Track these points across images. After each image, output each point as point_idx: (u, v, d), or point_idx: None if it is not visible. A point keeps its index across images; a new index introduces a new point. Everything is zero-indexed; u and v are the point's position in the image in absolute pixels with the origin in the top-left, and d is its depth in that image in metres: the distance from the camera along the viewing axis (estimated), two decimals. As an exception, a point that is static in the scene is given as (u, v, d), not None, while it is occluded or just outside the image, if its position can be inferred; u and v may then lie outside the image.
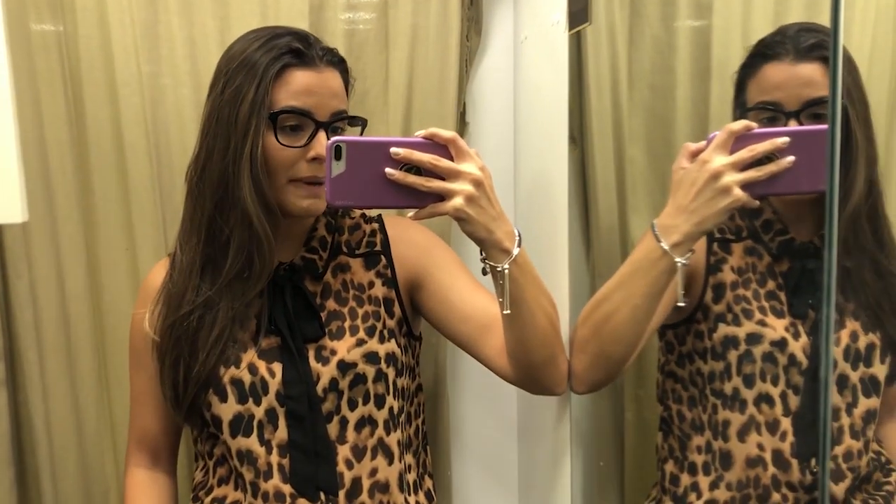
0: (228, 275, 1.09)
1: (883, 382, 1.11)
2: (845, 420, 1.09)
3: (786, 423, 1.09)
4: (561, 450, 1.28)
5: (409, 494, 1.18)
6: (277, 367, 1.10)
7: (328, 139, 0.99)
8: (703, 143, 1.00)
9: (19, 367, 1.38)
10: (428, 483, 1.26)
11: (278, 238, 1.10)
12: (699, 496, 1.15)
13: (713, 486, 1.14)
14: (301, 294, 1.13)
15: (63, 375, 1.41)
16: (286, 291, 1.13)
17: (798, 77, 1.05)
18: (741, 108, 1.12)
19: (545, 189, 1.32)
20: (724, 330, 1.12)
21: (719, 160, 0.97)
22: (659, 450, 1.25)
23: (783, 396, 1.10)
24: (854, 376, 1.09)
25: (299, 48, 1.06)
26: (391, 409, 1.14)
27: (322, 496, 1.10)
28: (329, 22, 1.42)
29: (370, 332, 1.14)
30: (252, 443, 1.10)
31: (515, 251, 1.00)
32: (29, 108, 1.33)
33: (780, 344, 1.09)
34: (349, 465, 1.11)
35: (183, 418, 1.15)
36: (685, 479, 1.18)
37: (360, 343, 1.13)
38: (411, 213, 0.98)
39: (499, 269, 1.00)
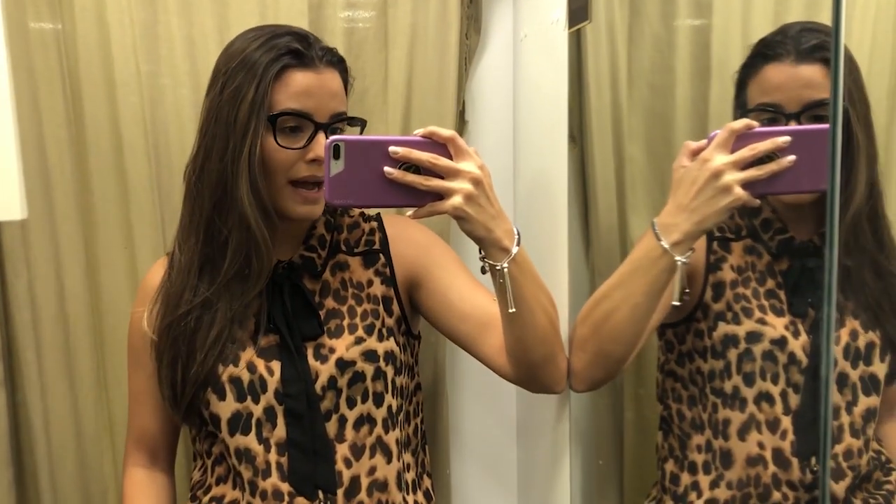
0: (226, 275, 1.09)
1: (883, 381, 1.11)
2: (845, 418, 1.09)
3: (786, 422, 1.09)
4: (560, 448, 1.28)
5: (408, 493, 1.18)
6: (276, 366, 1.10)
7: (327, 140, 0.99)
8: (704, 141, 1.00)
9: (17, 367, 1.38)
10: (427, 482, 1.26)
11: (277, 237, 1.10)
12: (699, 495, 1.15)
13: (713, 484, 1.14)
14: (300, 292, 1.13)
15: (61, 375, 1.41)
16: (285, 290, 1.13)
17: (799, 79, 1.05)
18: (741, 109, 1.12)
19: (544, 188, 1.32)
20: (723, 328, 1.12)
21: (720, 159, 0.97)
22: (659, 449, 1.25)
23: (783, 395, 1.10)
24: (854, 375, 1.09)
25: (299, 49, 1.06)
26: (390, 407, 1.14)
27: (320, 495, 1.09)
28: (328, 20, 1.41)
29: (369, 330, 1.14)
30: (250, 441, 1.10)
31: (514, 250, 1.00)
32: (27, 106, 1.33)
33: (780, 342, 1.09)
34: (348, 464, 1.11)
35: (181, 417, 1.15)
36: (685, 479, 1.18)
37: (359, 341, 1.13)
38: (410, 211, 0.98)
39: (498, 267, 1.00)
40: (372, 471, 1.12)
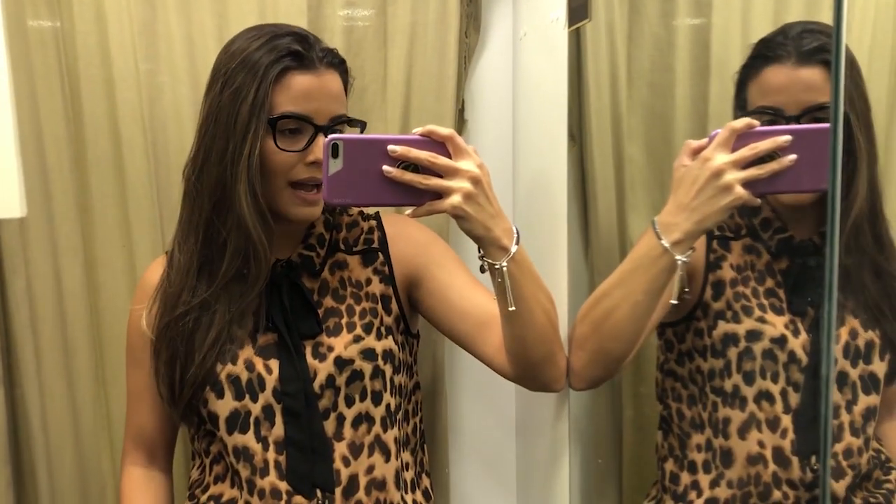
0: (225, 277, 1.09)
1: (882, 380, 1.11)
2: (845, 417, 1.09)
3: (786, 421, 1.09)
4: (559, 447, 1.28)
5: (406, 492, 1.17)
6: (274, 364, 1.10)
7: None
8: (705, 140, 0.99)
9: (16, 365, 1.38)
10: (426, 481, 1.26)
11: (276, 236, 1.10)
12: (699, 494, 1.15)
13: (714, 484, 1.14)
14: (298, 291, 1.13)
15: (60, 373, 1.41)
16: (283, 288, 1.13)
17: (799, 81, 1.05)
18: (741, 109, 1.12)
19: (544, 187, 1.32)
20: (723, 327, 1.12)
21: (721, 158, 0.97)
22: (658, 448, 1.25)
23: (783, 394, 1.10)
24: (854, 373, 1.09)
25: (299, 50, 1.05)
26: (388, 406, 1.14)
27: (318, 493, 1.09)
28: (327, 19, 1.41)
29: (367, 328, 1.14)
30: (248, 439, 1.10)
31: (514, 249, 1.00)
32: (26, 104, 1.33)
33: (780, 341, 1.09)
34: (346, 462, 1.11)
35: (179, 416, 1.15)
36: (685, 478, 1.18)
37: (358, 340, 1.12)
38: (409, 210, 0.98)
39: (497, 266, 1.00)
40: (370, 469, 1.12)
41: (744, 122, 0.97)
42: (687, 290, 1.06)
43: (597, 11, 1.22)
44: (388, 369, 1.14)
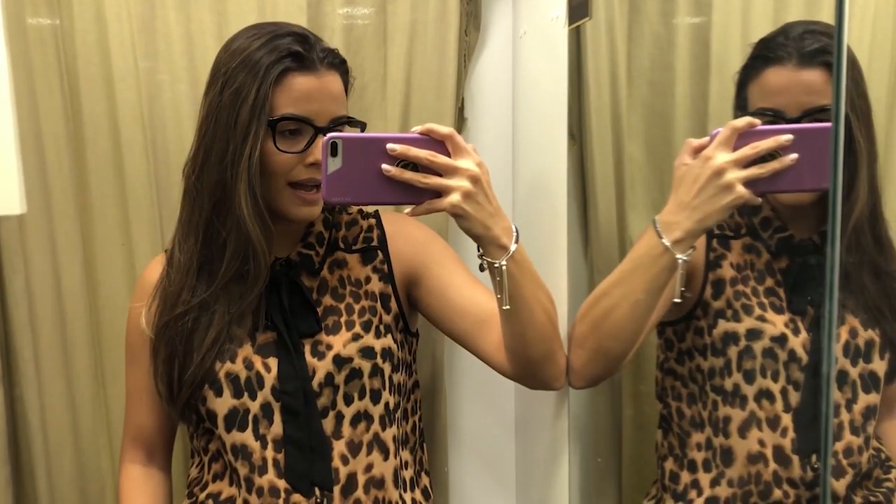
0: (224, 277, 1.09)
1: (882, 379, 1.11)
2: (845, 416, 1.09)
3: (786, 420, 1.09)
4: (559, 446, 1.28)
5: (405, 491, 1.17)
6: (273, 362, 1.10)
7: None
8: (706, 139, 0.99)
9: (14, 364, 1.38)
10: (425, 480, 1.26)
11: (275, 235, 1.10)
12: (700, 493, 1.15)
13: (714, 482, 1.14)
14: (298, 290, 1.13)
15: (59, 372, 1.40)
16: (282, 287, 1.13)
17: (800, 84, 1.04)
18: (741, 110, 1.12)
19: (544, 185, 1.32)
20: (723, 326, 1.12)
21: (722, 157, 0.97)
22: (658, 447, 1.25)
23: (783, 392, 1.09)
24: (854, 372, 1.09)
25: (300, 51, 1.05)
26: (387, 404, 1.14)
27: (317, 492, 1.09)
28: (327, 17, 1.41)
29: (366, 327, 1.14)
30: (247, 437, 1.10)
31: (513, 247, 1.00)
32: (25, 102, 1.32)
33: (780, 340, 1.09)
34: (344, 461, 1.11)
35: (178, 414, 1.15)
36: (685, 477, 1.17)
37: (356, 338, 1.12)
38: (408, 209, 0.98)
39: (496, 265, 1.00)
40: (369, 468, 1.12)
41: (745, 120, 0.97)
42: (684, 289, 1.06)
43: (597, 10, 1.22)
44: (386, 367, 1.14)
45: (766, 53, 1.08)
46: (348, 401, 1.11)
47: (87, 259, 1.41)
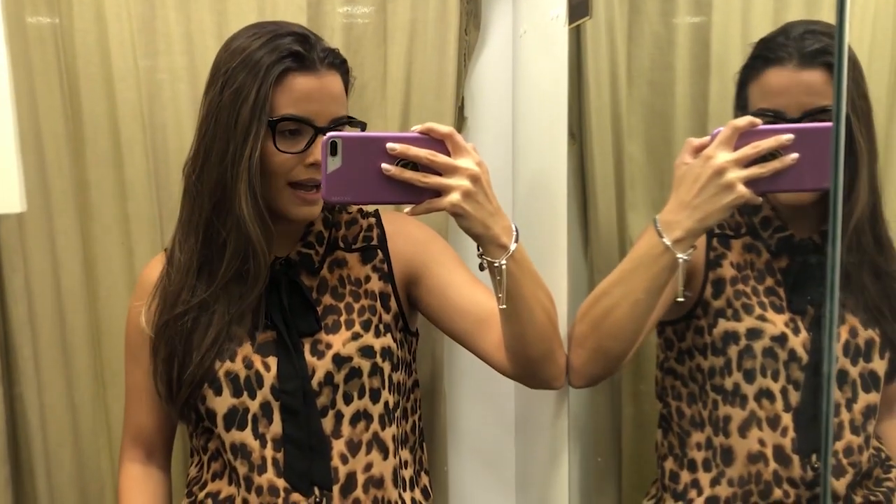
0: (224, 277, 1.09)
1: (882, 378, 1.11)
2: (845, 415, 1.09)
3: (786, 419, 1.09)
4: (558, 445, 1.28)
5: (405, 490, 1.17)
6: (272, 361, 1.10)
7: None
8: (707, 138, 0.99)
9: (14, 363, 1.37)
10: (424, 479, 1.26)
11: (275, 235, 1.10)
12: (700, 493, 1.15)
13: (714, 482, 1.14)
14: (297, 289, 1.13)
15: (58, 371, 1.40)
16: (282, 286, 1.12)
17: (801, 85, 1.04)
18: (742, 110, 1.12)
19: (544, 185, 1.32)
20: (724, 325, 1.12)
21: (723, 156, 0.97)
22: (658, 447, 1.25)
23: (783, 392, 1.09)
24: (854, 371, 1.09)
25: (300, 51, 1.05)
26: (386, 403, 1.14)
27: (316, 491, 1.09)
28: (327, 16, 1.41)
29: (366, 326, 1.14)
30: (246, 436, 1.10)
31: (513, 247, 1.00)
32: (24, 101, 1.32)
33: (781, 339, 1.09)
34: (344, 460, 1.11)
35: (177, 414, 1.15)
36: (685, 476, 1.17)
37: (356, 337, 1.12)
38: (408, 208, 0.98)
39: (496, 264, 1.00)
40: (368, 467, 1.12)
41: (746, 120, 0.97)
42: (682, 289, 1.06)
43: (597, 9, 1.22)
44: (386, 367, 1.14)
45: (766, 54, 1.08)
46: (348, 400, 1.11)
47: (86, 258, 1.41)
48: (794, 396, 1.09)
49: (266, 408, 1.10)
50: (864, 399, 1.09)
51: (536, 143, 1.38)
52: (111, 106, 1.38)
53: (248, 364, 1.10)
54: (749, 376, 1.10)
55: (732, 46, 1.23)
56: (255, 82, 1.03)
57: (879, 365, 1.10)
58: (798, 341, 1.09)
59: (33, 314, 1.37)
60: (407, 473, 1.19)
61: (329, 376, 1.10)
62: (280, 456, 1.09)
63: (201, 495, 1.16)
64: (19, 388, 1.38)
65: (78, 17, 1.35)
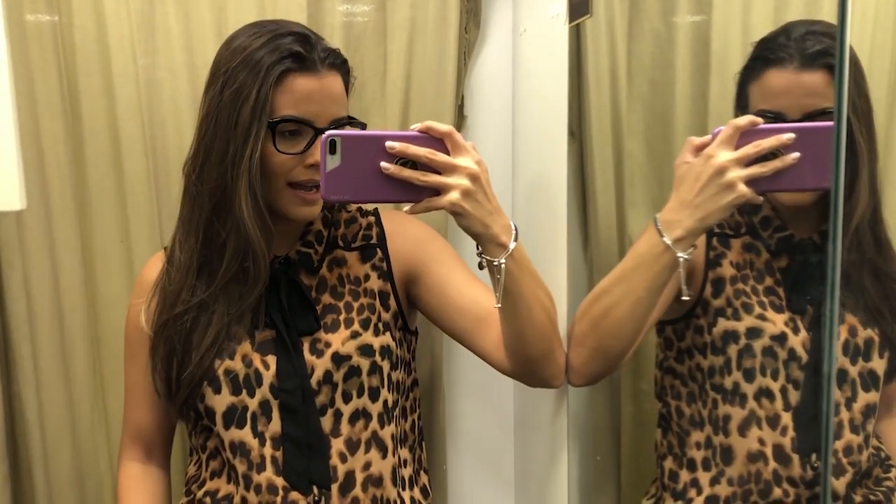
0: (224, 278, 1.09)
1: (882, 377, 1.11)
2: (845, 414, 1.09)
3: (786, 418, 1.09)
4: (558, 444, 1.28)
5: (404, 489, 1.17)
6: (272, 360, 1.10)
7: None
8: (708, 137, 0.99)
9: (12, 361, 1.37)
10: (424, 478, 1.26)
11: (274, 234, 1.09)
12: (699, 492, 1.15)
13: (714, 481, 1.14)
14: (296, 288, 1.13)
15: (57, 369, 1.40)
16: (281, 285, 1.12)
17: (802, 86, 1.04)
18: (742, 110, 1.12)
19: (543, 184, 1.32)
20: (723, 324, 1.12)
21: (724, 155, 0.97)
22: (658, 446, 1.25)
23: (783, 391, 1.09)
24: (853, 371, 1.09)
25: (301, 52, 1.04)
26: (385, 402, 1.14)
27: (315, 489, 1.09)
28: (327, 14, 1.41)
29: (365, 324, 1.14)
30: (245, 434, 1.09)
31: (512, 245, 1.00)
32: (24, 99, 1.32)
33: (780, 338, 1.09)
34: (343, 459, 1.10)
35: (176, 412, 1.15)
36: (684, 476, 1.17)
37: (355, 335, 1.12)
38: (407, 207, 0.98)
39: (495, 263, 1.00)
40: (367, 466, 1.12)
41: (747, 119, 0.97)
42: (686, 287, 1.06)
43: (597, 7, 1.22)
44: (385, 365, 1.14)
45: (767, 54, 1.08)
46: (347, 398, 1.11)
47: (85, 255, 1.41)
48: (794, 396, 1.09)
49: (265, 406, 1.10)
50: (864, 398, 1.09)
51: (536, 141, 1.37)
52: (110, 103, 1.38)
53: (248, 362, 1.10)
54: (749, 375, 1.10)
55: (733, 45, 1.23)
56: (255, 82, 1.03)
57: (879, 364, 1.10)
58: (798, 340, 1.09)
59: (32, 312, 1.37)
60: (406, 472, 1.19)
61: (328, 375, 1.10)
62: (279, 454, 1.09)
63: (200, 493, 1.16)
64: (18, 386, 1.38)
65: (77, 14, 1.35)
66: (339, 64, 1.10)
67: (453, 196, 0.95)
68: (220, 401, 1.10)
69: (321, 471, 1.10)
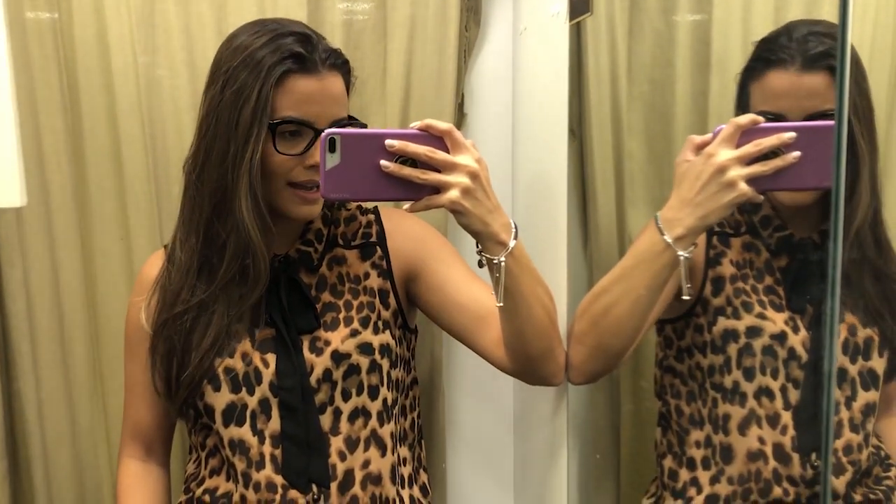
0: (224, 278, 1.09)
1: (881, 376, 1.11)
2: (845, 414, 1.09)
3: (786, 417, 1.09)
4: (557, 442, 1.28)
5: (403, 488, 1.17)
6: (271, 358, 1.10)
7: None
8: (709, 135, 0.99)
9: (12, 358, 1.37)
10: (423, 477, 1.26)
11: (275, 234, 1.09)
12: (699, 491, 1.15)
13: (714, 480, 1.14)
14: (296, 286, 1.13)
15: (56, 366, 1.40)
16: (281, 284, 1.12)
17: (803, 88, 1.04)
18: (743, 110, 1.12)
19: (543, 182, 1.32)
20: (723, 323, 1.12)
21: (725, 154, 0.96)
22: (657, 445, 1.24)
23: (783, 390, 1.09)
24: (853, 370, 1.09)
25: (302, 52, 1.04)
26: (385, 400, 1.14)
27: (314, 488, 1.09)
28: (327, 12, 1.40)
29: (364, 322, 1.13)
30: (245, 432, 1.09)
31: (512, 243, 1.00)
32: (23, 96, 1.32)
33: (780, 337, 1.09)
34: (342, 457, 1.10)
35: (176, 411, 1.15)
36: (684, 475, 1.17)
37: (354, 334, 1.12)
38: (407, 205, 0.98)
39: (495, 261, 1.00)
40: (366, 464, 1.12)
41: (748, 118, 0.97)
42: (688, 286, 1.06)
43: (598, 6, 1.22)
44: (385, 364, 1.13)
45: (768, 55, 1.08)
46: (346, 397, 1.11)
47: (85, 253, 1.41)
48: (794, 394, 1.09)
49: (265, 404, 1.10)
50: (864, 397, 1.09)
51: (536, 139, 1.37)
52: (110, 100, 1.38)
53: (247, 361, 1.10)
54: (748, 374, 1.10)
55: (733, 44, 1.23)
56: (256, 83, 1.03)
57: (878, 363, 1.10)
58: (797, 339, 1.09)
59: (31, 309, 1.37)
60: (405, 470, 1.19)
61: (327, 373, 1.10)
62: (278, 452, 1.09)
63: (199, 491, 1.16)
64: (17, 384, 1.38)
65: (77, 11, 1.35)
66: (340, 64, 1.10)
67: (453, 194, 0.95)
68: (220, 399, 1.10)
69: (320, 469, 1.10)
